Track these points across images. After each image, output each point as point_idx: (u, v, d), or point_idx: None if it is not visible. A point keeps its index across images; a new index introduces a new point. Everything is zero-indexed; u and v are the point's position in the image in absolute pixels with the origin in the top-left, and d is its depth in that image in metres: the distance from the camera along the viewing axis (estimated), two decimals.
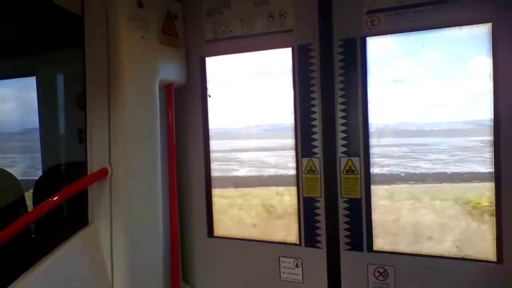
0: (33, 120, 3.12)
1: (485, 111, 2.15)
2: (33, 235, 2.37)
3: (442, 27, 2.22)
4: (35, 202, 2.48)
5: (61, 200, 2.01)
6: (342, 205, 2.42)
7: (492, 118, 2.13)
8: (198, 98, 2.80)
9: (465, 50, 2.32)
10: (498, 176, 2.13)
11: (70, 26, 2.35)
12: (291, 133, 2.57)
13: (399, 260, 2.34)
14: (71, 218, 2.36)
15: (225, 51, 2.73)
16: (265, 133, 3.19)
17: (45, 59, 3.20)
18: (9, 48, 3.12)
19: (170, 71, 2.58)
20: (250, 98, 2.97)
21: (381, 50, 2.41)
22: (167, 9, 2.56)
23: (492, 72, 2.12)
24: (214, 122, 2.84)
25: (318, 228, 2.49)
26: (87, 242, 2.17)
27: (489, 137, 2.15)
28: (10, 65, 3.34)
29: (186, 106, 2.83)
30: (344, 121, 2.39)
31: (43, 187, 2.56)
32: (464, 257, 2.24)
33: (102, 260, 2.22)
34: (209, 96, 2.80)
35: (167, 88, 2.58)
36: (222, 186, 2.93)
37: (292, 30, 2.51)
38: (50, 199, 1.93)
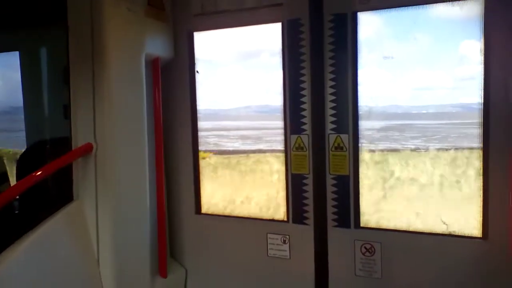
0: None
1: (473, 94, 2.15)
2: (16, 211, 2.34)
3: (434, 2, 2.18)
4: (19, 178, 2.43)
5: (45, 175, 1.97)
6: (330, 181, 2.41)
7: (482, 100, 2.11)
8: (186, 73, 2.75)
9: (456, 32, 2.28)
10: (486, 156, 2.13)
11: None
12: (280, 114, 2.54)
13: (386, 236, 2.35)
14: (55, 195, 2.32)
15: (213, 25, 2.66)
16: (256, 115, 3.15)
17: (29, 33, 3.11)
18: None
19: (156, 45, 2.51)
20: (239, 79, 2.92)
21: (372, 27, 2.37)
22: None
23: (483, 52, 2.09)
24: (201, 103, 2.80)
25: (306, 205, 2.49)
26: (72, 219, 2.13)
27: (476, 120, 2.14)
28: None
29: (173, 81, 2.77)
30: (333, 97, 2.36)
31: (26, 163, 2.51)
32: (451, 233, 2.26)
33: (87, 237, 2.19)
34: (197, 72, 2.74)
35: (153, 63, 2.52)
36: None
37: (281, 4, 2.46)
38: (33, 174, 1.89)
